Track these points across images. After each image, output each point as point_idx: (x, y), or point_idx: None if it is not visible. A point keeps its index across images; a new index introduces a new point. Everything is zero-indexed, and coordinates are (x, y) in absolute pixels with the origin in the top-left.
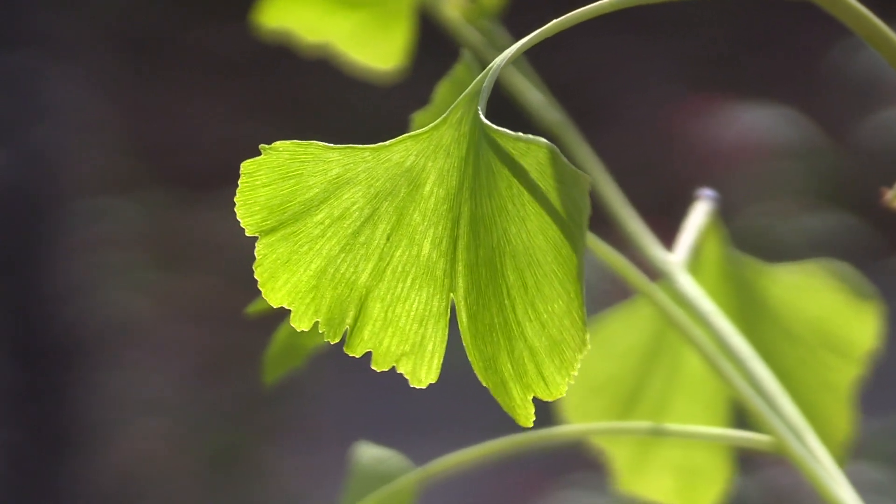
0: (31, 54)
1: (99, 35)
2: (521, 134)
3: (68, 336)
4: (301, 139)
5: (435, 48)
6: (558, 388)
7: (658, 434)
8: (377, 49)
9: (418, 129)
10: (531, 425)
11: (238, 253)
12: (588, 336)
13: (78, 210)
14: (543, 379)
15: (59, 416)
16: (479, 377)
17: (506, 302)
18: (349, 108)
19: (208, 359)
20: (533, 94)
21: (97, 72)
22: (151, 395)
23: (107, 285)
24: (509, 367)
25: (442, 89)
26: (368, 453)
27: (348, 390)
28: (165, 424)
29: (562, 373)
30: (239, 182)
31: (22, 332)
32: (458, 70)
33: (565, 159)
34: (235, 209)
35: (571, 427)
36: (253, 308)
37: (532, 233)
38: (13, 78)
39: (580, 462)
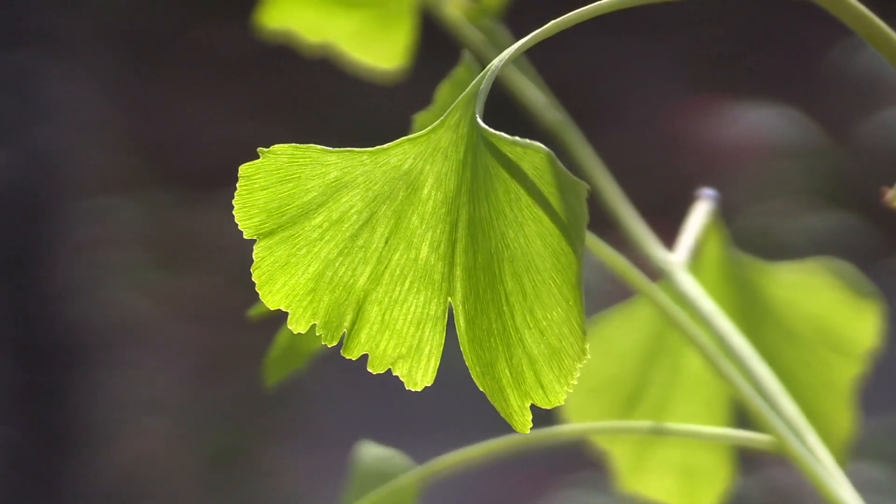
0: (31, 54)
1: (100, 35)
2: (517, 138)
3: (69, 336)
4: (302, 139)
5: (437, 48)
6: (557, 397)
7: (659, 433)
8: (379, 49)
9: (419, 130)
10: (528, 432)
11: (239, 253)
12: (587, 345)
13: (79, 210)
14: (542, 387)
15: (60, 416)
16: (476, 382)
17: (504, 308)
18: (351, 108)
19: (209, 359)
20: (534, 94)
21: (98, 71)
22: (152, 394)
23: (108, 285)
24: (507, 373)
25: (443, 91)
26: (370, 452)
27: (350, 390)
28: (166, 424)
29: (560, 381)
30: (237, 185)
31: (23, 332)
32: (460, 71)
33: (562, 166)
34: (234, 212)
35: (572, 426)
36: (254, 311)
37: (530, 238)
38: (14, 77)
39: (582, 461)
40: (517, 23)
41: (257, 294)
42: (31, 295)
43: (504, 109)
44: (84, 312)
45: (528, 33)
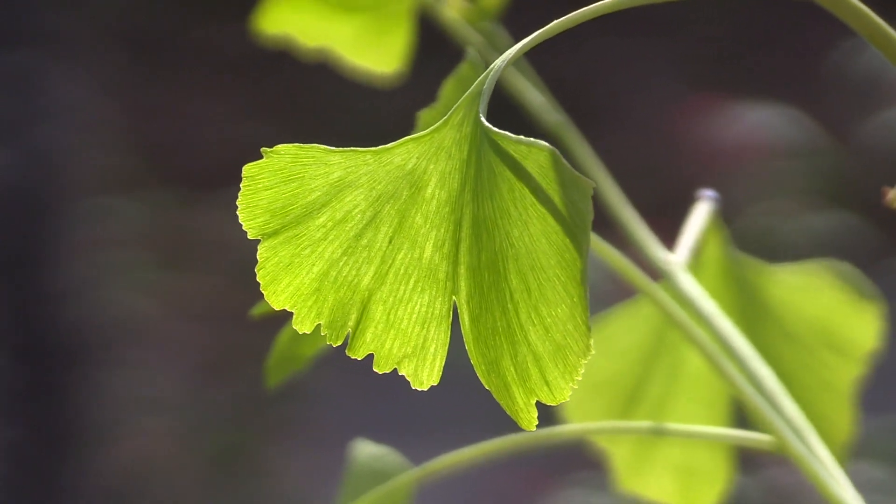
0: (33, 54)
1: (101, 34)
2: (522, 137)
3: (71, 335)
4: (303, 139)
5: (436, 50)
6: (562, 393)
7: (659, 433)
8: (377, 53)
9: (424, 127)
10: (534, 429)
11: (241, 252)
12: (592, 341)
13: (80, 209)
14: (547, 384)
15: (63, 416)
16: (482, 380)
17: (509, 306)
18: (351, 110)
19: (210, 358)
20: (533, 95)
21: (99, 71)
22: (153, 394)
23: (110, 285)
24: (512, 370)
25: (447, 88)
26: (366, 451)
27: (351, 390)
28: (168, 424)
29: (565, 377)
30: (241, 185)
31: (25, 332)
32: (464, 68)
33: (567, 163)
34: (238, 212)
35: (572, 426)
36: (257, 310)
37: (535, 236)
38: (15, 77)
39: (581, 461)
40: (516, 23)
41: (259, 293)
42: (32, 295)
43: (503, 111)
44: (85, 312)
45: (525, 34)
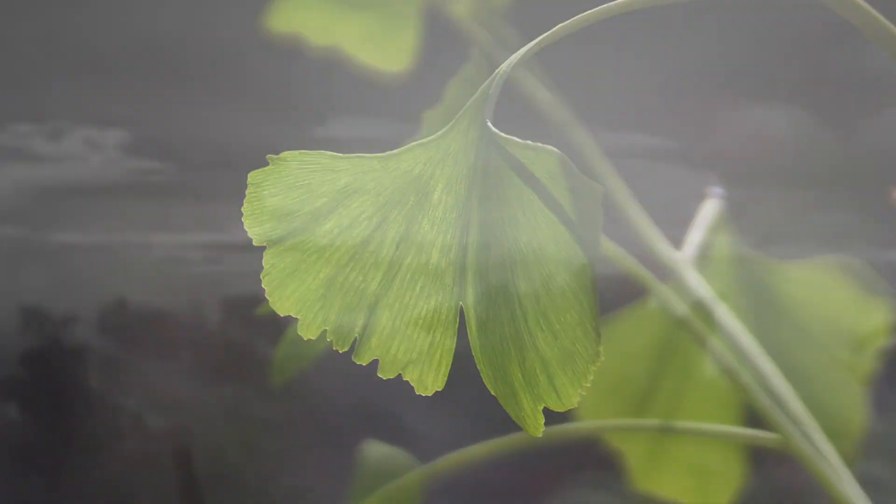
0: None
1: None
2: (529, 142)
3: (70, 334)
4: (307, 139)
5: (444, 47)
6: (570, 399)
7: (668, 431)
8: (386, 51)
9: (428, 126)
10: (540, 435)
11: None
12: (601, 347)
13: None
14: (555, 390)
15: (61, 415)
16: (488, 387)
17: (517, 312)
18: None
19: (211, 356)
20: (541, 94)
21: (100, 68)
22: (154, 394)
23: (110, 284)
24: (520, 377)
25: (451, 88)
26: (375, 450)
27: (356, 386)
28: (168, 424)
29: (574, 384)
30: (246, 192)
31: (24, 330)
32: (468, 68)
33: (576, 168)
34: (242, 219)
35: (581, 424)
36: (261, 310)
37: (543, 242)
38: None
39: (593, 459)
40: (523, 20)
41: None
42: (33, 292)
43: (511, 109)
44: (85, 311)
45: (535, 29)
